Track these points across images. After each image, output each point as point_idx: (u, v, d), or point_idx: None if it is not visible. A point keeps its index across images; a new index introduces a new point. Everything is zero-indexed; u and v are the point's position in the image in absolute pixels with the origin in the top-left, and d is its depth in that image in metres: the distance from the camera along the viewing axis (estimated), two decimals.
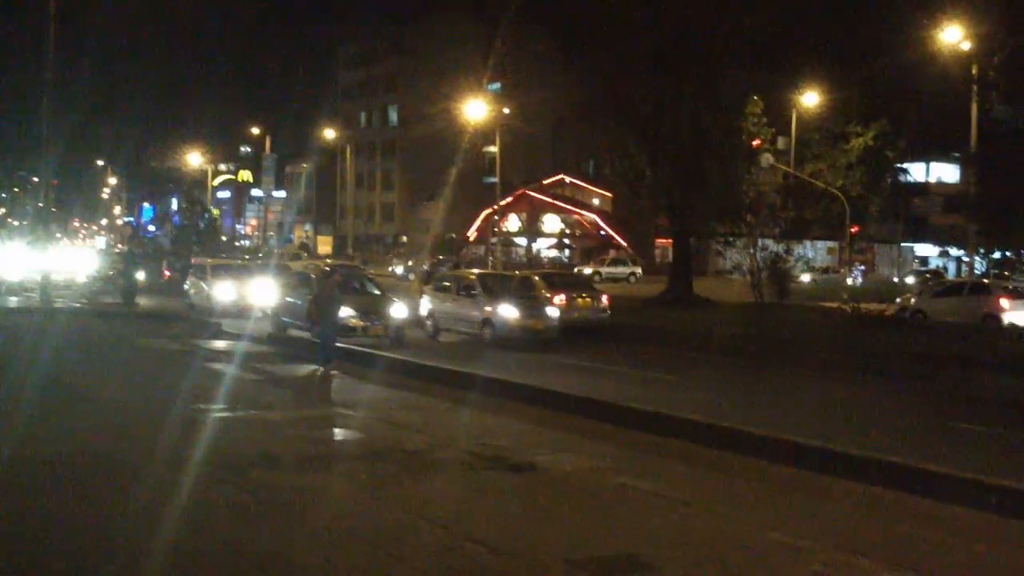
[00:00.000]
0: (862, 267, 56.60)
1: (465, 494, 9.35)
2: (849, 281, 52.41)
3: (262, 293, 27.65)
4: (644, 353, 23.31)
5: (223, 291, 29.40)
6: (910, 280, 60.88)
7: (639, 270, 66.24)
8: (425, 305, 26.13)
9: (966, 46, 37.76)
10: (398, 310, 22.95)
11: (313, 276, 23.21)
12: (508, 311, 23.47)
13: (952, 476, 9.84)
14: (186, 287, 33.03)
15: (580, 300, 27.11)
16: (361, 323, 21.83)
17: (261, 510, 8.52)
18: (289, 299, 23.74)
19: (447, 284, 26.68)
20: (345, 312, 20.67)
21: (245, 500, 8.76)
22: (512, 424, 12.99)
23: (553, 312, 24.23)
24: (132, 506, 8.45)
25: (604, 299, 27.93)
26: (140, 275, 35.18)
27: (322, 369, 17.68)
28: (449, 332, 25.22)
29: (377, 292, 24.74)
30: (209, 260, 34.08)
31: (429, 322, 25.71)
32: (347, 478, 9.79)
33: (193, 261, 37.21)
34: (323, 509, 8.57)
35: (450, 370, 16.80)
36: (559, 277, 32.23)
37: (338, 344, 18.66)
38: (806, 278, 52.76)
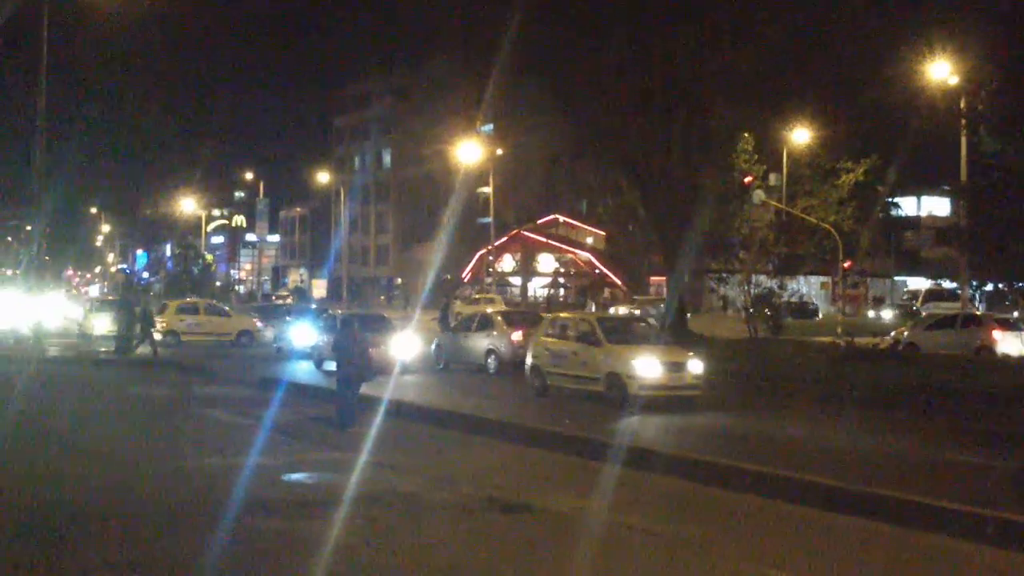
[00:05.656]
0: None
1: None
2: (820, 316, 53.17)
3: None
4: None
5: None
6: (887, 314, 60.94)
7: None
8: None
9: (954, 80, 38.07)
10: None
11: None
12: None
13: (950, 509, 9.87)
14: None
15: None
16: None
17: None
18: None
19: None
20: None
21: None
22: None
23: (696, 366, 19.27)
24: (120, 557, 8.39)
25: None
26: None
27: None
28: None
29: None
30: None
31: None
32: None
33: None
34: None
35: None
36: (517, 314, 32.73)
37: None
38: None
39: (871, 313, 56.88)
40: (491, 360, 26.10)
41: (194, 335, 36.26)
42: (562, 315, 26.60)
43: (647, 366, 18.53)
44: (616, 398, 18.55)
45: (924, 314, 47.21)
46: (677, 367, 18.89)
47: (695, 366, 19.12)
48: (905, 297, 66.78)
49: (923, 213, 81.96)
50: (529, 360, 21.48)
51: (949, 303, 55.43)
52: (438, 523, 9.90)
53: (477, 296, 65.81)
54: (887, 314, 60.74)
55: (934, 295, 61.74)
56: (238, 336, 36.87)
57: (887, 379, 21.59)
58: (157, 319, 35.62)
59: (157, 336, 34.13)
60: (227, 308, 42.26)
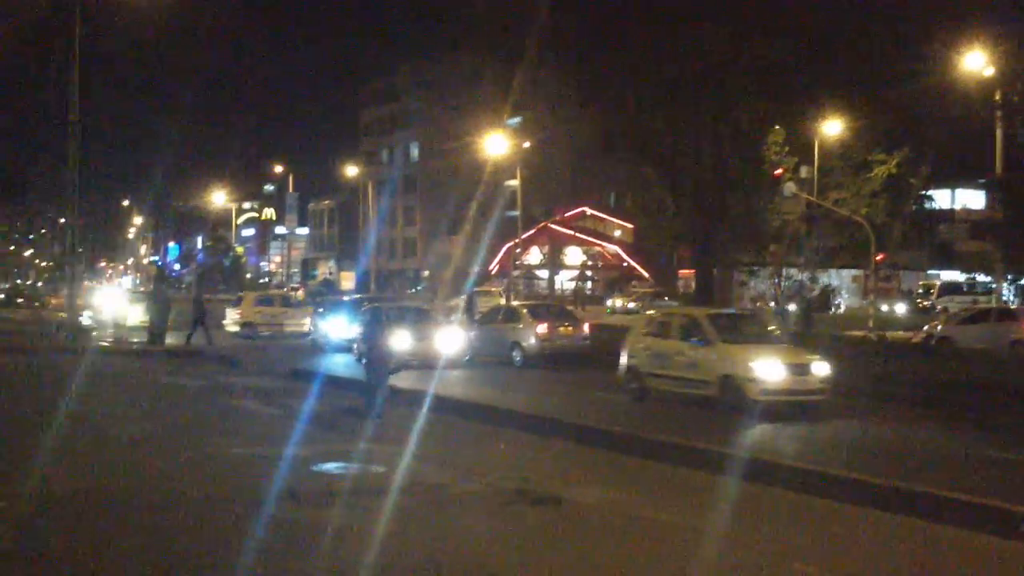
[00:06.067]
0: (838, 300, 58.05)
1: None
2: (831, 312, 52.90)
3: None
4: None
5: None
6: (900, 308, 59.67)
7: None
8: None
9: (989, 72, 37.63)
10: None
11: None
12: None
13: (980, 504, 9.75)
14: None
15: (562, 328, 27.28)
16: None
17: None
18: None
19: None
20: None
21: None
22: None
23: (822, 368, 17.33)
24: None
25: (585, 328, 28.42)
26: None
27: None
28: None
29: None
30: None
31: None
32: None
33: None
34: None
35: None
36: (543, 307, 32.95)
37: None
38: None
39: (884, 307, 55.65)
40: (516, 353, 26.06)
41: (270, 327, 36.56)
42: (663, 311, 25.97)
43: (769, 368, 16.78)
44: (732, 403, 16.82)
45: (939, 308, 46.57)
46: (801, 369, 17.11)
47: (820, 368, 17.23)
48: (920, 290, 65.79)
49: (957, 206, 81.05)
50: (625, 360, 19.55)
51: (964, 297, 54.69)
52: (467, 514, 9.86)
53: (477, 289, 65.27)
54: (900, 308, 59.58)
55: (949, 288, 60.78)
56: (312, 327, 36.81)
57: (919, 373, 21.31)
58: (235, 311, 36.22)
59: (234, 328, 34.69)
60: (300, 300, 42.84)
